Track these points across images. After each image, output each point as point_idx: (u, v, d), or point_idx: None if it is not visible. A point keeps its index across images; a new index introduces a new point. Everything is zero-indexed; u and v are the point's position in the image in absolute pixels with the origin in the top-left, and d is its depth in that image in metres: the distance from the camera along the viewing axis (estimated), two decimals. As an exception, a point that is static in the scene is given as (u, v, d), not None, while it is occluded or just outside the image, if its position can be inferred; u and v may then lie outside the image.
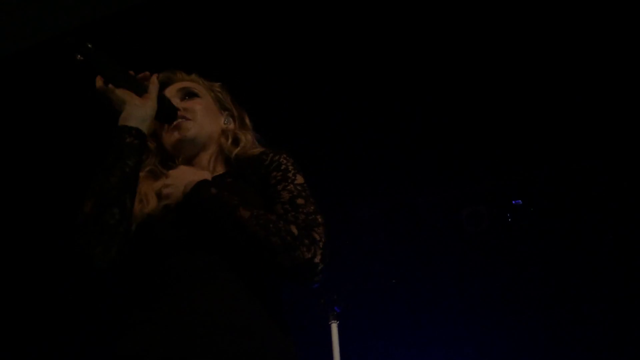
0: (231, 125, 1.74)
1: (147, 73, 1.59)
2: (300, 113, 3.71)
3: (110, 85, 1.53)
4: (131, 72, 1.55)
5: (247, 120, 1.79)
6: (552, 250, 3.86)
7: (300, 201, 1.50)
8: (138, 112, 1.51)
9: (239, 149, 1.68)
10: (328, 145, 3.87)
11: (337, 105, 3.73)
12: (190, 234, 1.48)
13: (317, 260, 1.41)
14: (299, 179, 1.56)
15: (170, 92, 1.70)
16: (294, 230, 1.42)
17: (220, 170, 1.69)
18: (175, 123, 1.64)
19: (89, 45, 1.45)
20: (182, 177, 1.55)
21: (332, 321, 3.10)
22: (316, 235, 1.44)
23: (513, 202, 4.06)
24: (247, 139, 1.73)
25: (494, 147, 3.93)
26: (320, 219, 1.48)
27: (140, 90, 1.53)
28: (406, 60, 3.52)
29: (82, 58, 1.45)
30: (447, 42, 3.40)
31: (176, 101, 1.67)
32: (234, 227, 1.43)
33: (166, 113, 1.59)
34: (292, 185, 1.54)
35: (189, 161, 1.67)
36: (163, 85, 1.70)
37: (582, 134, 3.69)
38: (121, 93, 1.52)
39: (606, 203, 3.70)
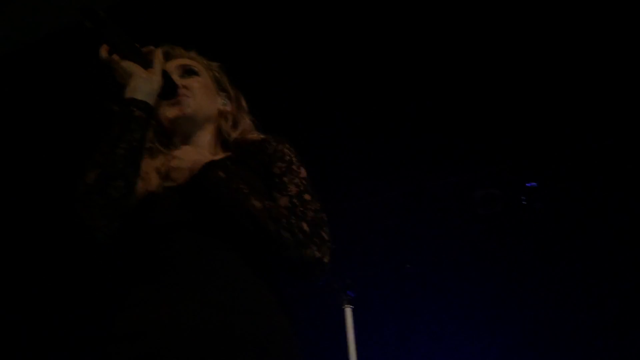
0: (228, 107, 1.72)
1: (152, 47, 1.55)
2: (314, 95, 3.70)
3: (115, 56, 1.49)
4: (136, 45, 1.52)
5: (244, 103, 1.77)
6: (570, 234, 3.83)
7: (307, 197, 1.50)
8: (145, 85, 1.47)
9: (238, 132, 1.68)
10: (340, 129, 3.85)
11: (349, 88, 3.71)
12: (194, 215, 1.47)
13: (325, 259, 1.44)
14: (303, 173, 1.56)
15: (169, 67, 1.65)
16: (305, 227, 1.43)
17: (219, 152, 1.66)
18: (174, 99, 1.60)
19: (101, 13, 1.41)
20: (187, 158, 1.52)
21: (346, 305, 3.10)
22: (324, 235, 1.46)
23: (527, 184, 4.03)
24: (246, 122, 1.71)
25: (508, 128, 3.89)
26: (325, 217, 1.50)
27: (146, 64, 1.50)
28: (425, 45, 3.51)
29: (91, 26, 1.41)
30: (461, 28, 3.37)
31: (175, 77, 1.63)
32: (245, 216, 1.42)
33: (167, 89, 1.56)
34: (298, 179, 1.53)
35: (186, 140, 1.64)
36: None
37: (601, 114, 3.64)
38: (127, 65, 1.48)
39: (627, 185, 3.66)
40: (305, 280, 1.48)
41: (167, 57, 1.67)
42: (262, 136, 1.67)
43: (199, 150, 1.59)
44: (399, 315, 3.74)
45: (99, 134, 1.42)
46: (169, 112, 1.62)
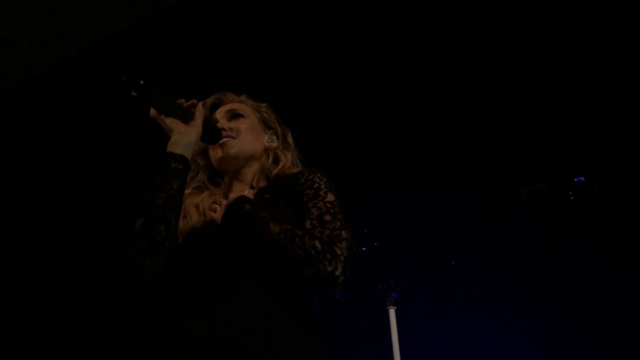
0: (274, 144, 1.89)
1: (195, 101, 1.73)
2: (360, 96, 3.74)
3: (161, 115, 1.68)
4: (181, 100, 1.71)
5: (290, 139, 1.95)
6: (619, 230, 3.77)
7: (327, 217, 1.64)
8: (183, 139, 1.66)
9: (278, 168, 1.83)
10: (385, 127, 3.88)
11: (395, 86, 3.73)
12: (228, 247, 1.63)
13: (337, 273, 1.54)
14: (330, 197, 1.69)
15: (220, 113, 1.87)
16: (318, 245, 1.55)
17: (262, 186, 1.82)
18: (220, 142, 1.80)
19: (141, 82, 1.60)
20: (227, 194, 1.70)
21: (390, 307, 3.13)
22: (338, 250, 1.57)
23: (575, 179, 3.97)
24: (287, 158, 1.87)
25: (555, 123, 3.85)
26: (344, 234, 1.61)
27: (188, 117, 1.69)
28: (466, 40, 3.51)
29: (136, 94, 1.60)
30: (505, 25, 3.36)
31: (224, 122, 1.84)
32: (265, 240, 1.57)
33: (211, 135, 1.76)
34: (322, 203, 1.67)
35: (235, 177, 1.84)
36: (215, 107, 1.91)
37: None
38: (169, 122, 1.67)
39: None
40: (324, 294, 1.61)
41: (220, 102, 1.91)
42: (299, 169, 1.83)
43: (241, 186, 1.80)
44: (442, 315, 3.75)
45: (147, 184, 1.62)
46: (216, 153, 1.82)
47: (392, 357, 2.99)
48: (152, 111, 1.68)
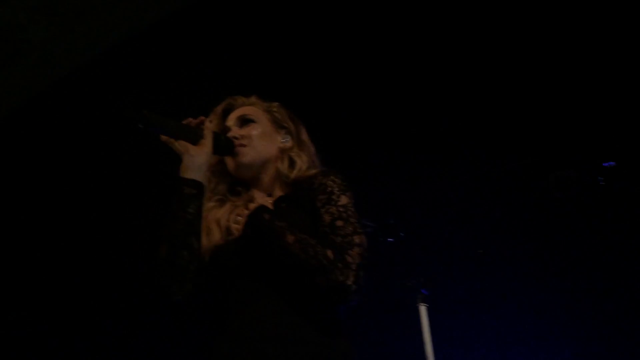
0: (289, 143, 1.89)
1: (202, 118, 1.76)
2: (383, 82, 3.71)
3: (171, 139, 1.72)
4: (189, 120, 1.74)
5: (304, 136, 1.94)
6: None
7: (339, 223, 1.65)
8: (194, 162, 1.69)
9: (295, 172, 1.83)
10: (410, 113, 3.84)
11: (419, 72, 3.70)
12: (249, 259, 1.66)
13: (349, 282, 1.56)
14: (343, 200, 1.70)
15: (231, 120, 1.88)
16: (330, 254, 1.57)
17: (278, 191, 1.84)
18: (234, 152, 1.82)
19: (145, 112, 1.64)
20: (247, 205, 1.73)
21: (420, 304, 3.13)
22: (349, 258, 1.59)
23: (604, 164, 3.91)
24: (302, 160, 1.87)
25: (585, 106, 3.79)
26: (357, 240, 1.63)
27: (197, 136, 1.72)
28: (492, 25, 3.47)
29: (142, 126, 1.64)
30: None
31: (235, 129, 1.85)
32: (280, 251, 1.60)
33: (224, 148, 1.79)
34: (334, 208, 1.68)
35: (254, 184, 1.85)
36: (227, 112, 1.91)
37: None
38: (179, 145, 1.71)
39: None
40: (338, 303, 1.64)
41: (230, 108, 1.91)
42: (314, 171, 1.83)
43: (261, 194, 1.82)
44: (474, 311, 3.75)
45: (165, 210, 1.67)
46: (231, 164, 1.84)
47: (425, 356, 3.01)
48: (163, 137, 1.72)
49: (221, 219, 1.76)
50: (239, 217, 1.71)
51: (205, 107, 1.94)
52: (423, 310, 3.12)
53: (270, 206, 1.73)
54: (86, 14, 3.60)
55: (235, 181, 1.87)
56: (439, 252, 3.74)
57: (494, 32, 3.53)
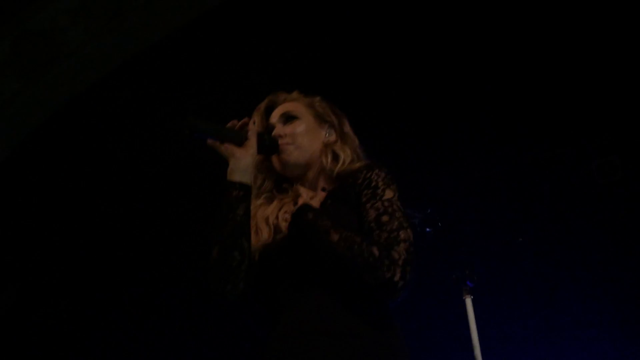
0: (332, 137, 1.89)
1: (246, 119, 1.77)
2: (421, 73, 3.70)
3: (217, 142, 1.73)
4: (233, 122, 1.75)
5: (347, 128, 1.93)
6: None
7: (385, 218, 1.65)
8: (240, 164, 1.71)
9: (339, 166, 1.83)
10: (449, 102, 3.82)
11: (458, 61, 3.67)
12: (296, 257, 1.68)
13: (396, 278, 1.56)
14: (388, 194, 1.70)
15: (274, 117, 1.89)
16: (375, 251, 1.58)
17: (324, 186, 1.85)
18: (279, 151, 1.83)
19: (191, 118, 1.67)
20: (293, 203, 1.76)
21: (466, 296, 3.12)
22: (395, 254, 1.58)
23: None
24: (346, 153, 1.86)
25: (628, 92, 3.72)
26: (402, 235, 1.62)
27: (241, 138, 1.74)
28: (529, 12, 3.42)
29: (188, 132, 1.67)
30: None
31: (279, 127, 1.85)
32: (326, 250, 1.61)
33: (269, 147, 1.81)
34: (379, 203, 1.68)
35: (300, 180, 1.86)
36: (269, 109, 1.92)
37: None
38: (225, 148, 1.73)
39: None
40: (386, 299, 1.64)
41: (273, 105, 1.91)
42: (359, 165, 1.82)
43: (307, 190, 1.82)
44: (519, 303, 3.71)
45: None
46: (277, 163, 1.85)
47: (472, 348, 2.99)
48: (209, 141, 1.74)
49: (270, 217, 1.79)
50: (287, 215, 1.74)
51: (247, 105, 1.94)
52: (469, 302, 3.10)
53: (316, 203, 1.74)
54: (124, 15, 3.63)
55: (281, 178, 1.88)
56: (484, 245, 3.71)
57: (527, 26, 3.49)
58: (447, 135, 3.87)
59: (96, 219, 4.16)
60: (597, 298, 3.63)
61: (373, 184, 1.72)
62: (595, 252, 3.73)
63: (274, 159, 1.85)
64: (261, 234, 1.76)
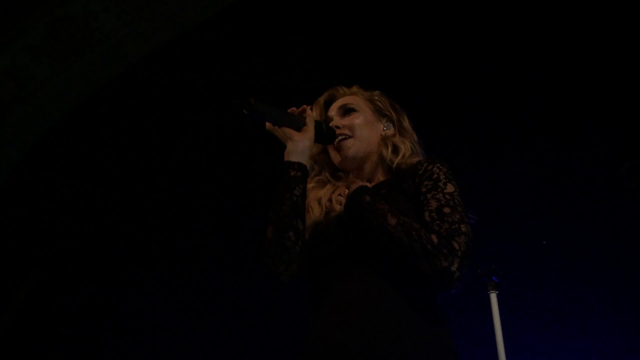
0: (390, 131, 1.88)
1: (305, 106, 1.78)
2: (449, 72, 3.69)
3: (275, 126, 1.74)
4: (292, 109, 1.76)
5: (406, 123, 1.92)
6: None
7: (446, 210, 1.62)
8: (297, 147, 1.71)
9: (399, 158, 1.81)
10: (477, 99, 3.80)
11: (483, 61, 3.65)
12: (349, 239, 1.66)
13: (453, 268, 1.54)
14: (450, 188, 1.67)
15: (333, 110, 1.89)
16: (435, 239, 1.55)
17: (380, 178, 1.84)
18: (335, 143, 1.83)
19: (252, 101, 1.67)
20: (349, 186, 1.74)
21: (491, 291, 3.09)
22: (456, 245, 1.56)
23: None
24: (406, 147, 1.84)
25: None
26: (464, 228, 1.59)
27: (300, 124, 1.74)
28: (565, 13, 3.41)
29: (247, 112, 1.68)
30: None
31: (337, 119, 1.86)
32: (382, 233, 1.58)
33: (326, 136, 1.81)
34: (441, 194, 1.65)
35: (356, 171, 1.85)
36: (328, 103, 1.92)
37: None
38: (283, 132, 1.73)
39: None
40: (440, 289, 1.61)
41: (332, 99, 1.92)
42: (419, 158, 1.81)
43: (362, 180, 1.80)
44: (545, 298, 3.68)
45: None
46: (335, 156, 1.85)
47: (495, 344, 2.97)
48: (267, 125, 1.75)
49: (322, 198, 1.78)
50: (340, 197, 1.72)
51: (302, 97, 1.95)
52: (494, 297, 3.08)
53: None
54: (156, 2, 3.67)
55: (337, 169, 1.88)
56: (511, 240, 3.68)
57: (553, 23, 3.47)
58: (478, 130, 3.85)
59: (128, 204, 4.18)
60: (622, 301, 3.59)
61: (435, 176, 1.69)
62: (621, 254, 3.69)
63: (332, 152, 1.86)
64: (312, 214, 1.76)
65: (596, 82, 3.67)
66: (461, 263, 1.55)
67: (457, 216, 1.61)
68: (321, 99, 1.93)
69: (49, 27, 3.86)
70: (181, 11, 3.68)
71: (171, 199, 4.21)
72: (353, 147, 1.82)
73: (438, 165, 1.72)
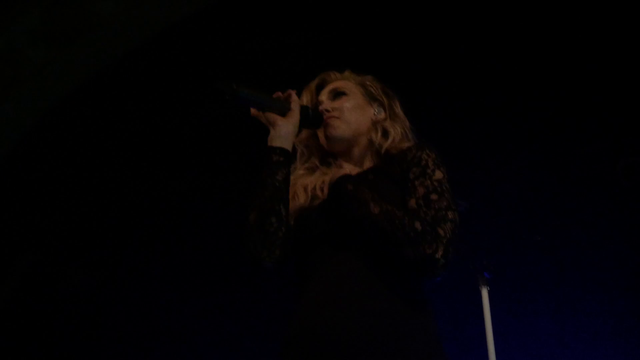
0: (381, 115, 1.87)
1: (290, 91, 1.77)
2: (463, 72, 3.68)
3: (259, 112, 1.75)
4: (277, 93, 1.76)
5: (398, 109, 1.90)
6: None
7: (433, 197, 1.62)
8: (281, 131, 1.72)
9: (389, 142, 1.81)
10: (476, 94, 3.79)
11: (499, 61, 3.65)
12: (332, 227, 1.66)
13: (437, 255, 1.53)
14: (438, 174, 1.66)
15: (324, 94, 1.88)
16: (418, 226, 1.56)
17: (369, 164, 1.83)
18: (323, 124, 1.82)
19: (234, 86, 1.66)
20: (333, 174, 1.73)
21: (482, 287, 3.09)
22: (441, 231, 1.56)
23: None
24: (397, 131, 1.83)
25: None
26: (450, 215, 1.59)
27: (285, 109, 1.74)
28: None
29: (229, 97, 1.67)
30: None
31: (327, 102, 1.85)
32: (365, 221, 1.59)
33: (312, 120, 1.81)
34: (428, 181, 1.65)
35: (345, 156, 1.84)
36: (320, 88, 1.91)
37: None
38: (267, 116, 1.74)
39: None
40: (425, 276, 1.60)
41: (323, 83, 1.91)
42: (409, 144, 1.79)
43: (351, 166, 1.81)
44: (536, 295, 3.69)
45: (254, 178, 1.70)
46: (323, 137, 1.85)
47: (485, 340, 2.97)
48: (252, 110, 1.75)
49: (308, 186, 1.78)
50: (326, 186, 1.73)
51: (282, 77, 1.94)
52: (485, 293, 3.08)
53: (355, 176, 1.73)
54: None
55: (327, 154, 1.88)
56: (503, 236, 3.68)
57: (539, 25, 3.46)
58: (471, 126, 3.84)
59: (124, 192, 4.18)
60: (617, 300, 3.60)
61: (423, 162, 1.69)
62: (617, 252, 3.69)
63: (320, 134, 1.85)
64: (298, 200, 1.76)
65: (593, 77, 3.66)
66: (446, 250, 1.54)
67: (445, 203, 1.61)
68: (312, 84, 1.93)
69: (45, 10, 3.83)
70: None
71: (168, 187, 4.21)
72: (339, 128, 1.81)
73: (427, 151, 1.72)
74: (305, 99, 1.87)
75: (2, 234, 4.06)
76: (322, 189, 1.74)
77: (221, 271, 4.15)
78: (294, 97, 1.77)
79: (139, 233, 4.28)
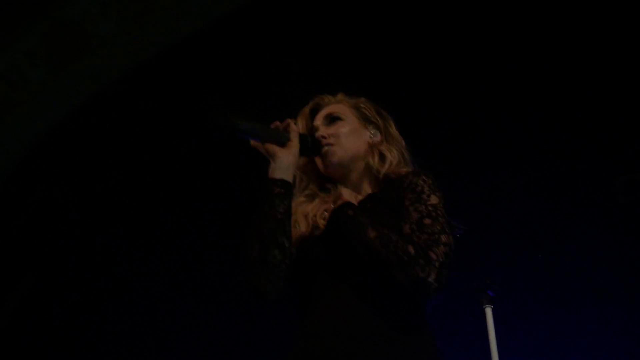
0: (377, 138, 1.90)
1: (288, 121, 1.81)
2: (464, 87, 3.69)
3: (259, 143, 1.77)
4: (275, 123, 1.80)
5: (393, 129, 1.95)
6: None
7: (427, 221, 1.65)
8: (282, 163, 1.73)
9: (386, 166, 1.85)
10: (472, 108, 3.81)
11: (497, 75, 3.66)
12: (332, 253, 1.71)
13: (430, 279, 1.56)
14: (433, 200, 1.70)
15: (318, 119, 1.93)
16: (411, 249, 1.58)
17: (367, 188, 1.88)
18: (322, 152, 1.85)
19: (232, 119, 1.71)
20: (333, 201, 1.79)
21: (486, 305, 3.10)
22: (433, 255, 1.58)
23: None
24: (393, 155, 1.87)
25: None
26: (444, 239, 1.62)
27: (284, 139, 1.77)
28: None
29: (230, 130, 1.71)
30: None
31: (323, 128, 1.89)
32: (361, 246, 1.63)
33: (311, 148, 1.84)
34: (423, 206, 1.68)
35: (344, 181, 1.89)
36: (314, 112, 1.95)
37: None
38: (267, 148, 1.76)
39: None
40: (419, 300, 1.65)
41: (318, 108, 1.94)
42: (407, 169, 1.84)
43: (350, 192, 1.83)
44: (541, 314, 3.69)
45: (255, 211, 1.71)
46: (321, 164, 1.88)
47: (490, 359, 2.97)
48: (252, 142, 1.77)
49: (309, 214, 1.81)
50: (326, 213, 1.75)
51: (290, 106, 1.95)
52: (489, 312, 3.08)
53: (356, 204, 1.76)
54: (156, 9, 3.64)
55: (326, 179, 1.91)
56: (506, 254, 3.69)
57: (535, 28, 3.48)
58: (470, 142, 3.86)
59: (125, 208, 4.17)
60: (622, 317, 3.60)
61: (419, 188, 1.72)
62: (621, 269, 3.70)
63: (318, 160, 1.88)
64: (299, 229, 1.78)
65: (589, 97, 3.68)
66: (439, 273, 1.57)
67: (438, 227, 1.63)
68: (307, 109, 1.96)
69: (46, 32, 3.83)
70: (180, 19, 3.66)
71: (169, 204, 4.21)
72: (337, 154, 1.85)
73: (423, 177, 1.76)
74: (301, 125, 1.90)
75: (1, 256, 4.05)
76: (323, 217, 1.77)
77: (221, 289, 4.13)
78: (293, 126, 1.80)
79: (137, 265, 4.27)
